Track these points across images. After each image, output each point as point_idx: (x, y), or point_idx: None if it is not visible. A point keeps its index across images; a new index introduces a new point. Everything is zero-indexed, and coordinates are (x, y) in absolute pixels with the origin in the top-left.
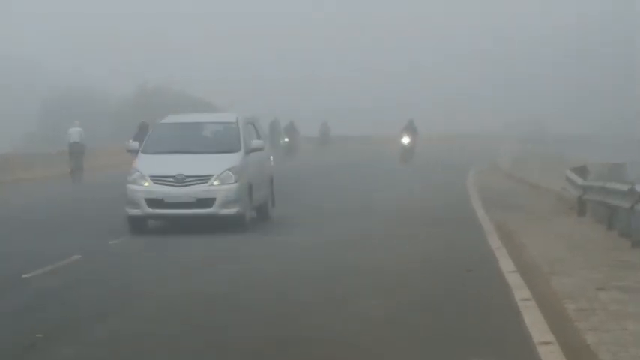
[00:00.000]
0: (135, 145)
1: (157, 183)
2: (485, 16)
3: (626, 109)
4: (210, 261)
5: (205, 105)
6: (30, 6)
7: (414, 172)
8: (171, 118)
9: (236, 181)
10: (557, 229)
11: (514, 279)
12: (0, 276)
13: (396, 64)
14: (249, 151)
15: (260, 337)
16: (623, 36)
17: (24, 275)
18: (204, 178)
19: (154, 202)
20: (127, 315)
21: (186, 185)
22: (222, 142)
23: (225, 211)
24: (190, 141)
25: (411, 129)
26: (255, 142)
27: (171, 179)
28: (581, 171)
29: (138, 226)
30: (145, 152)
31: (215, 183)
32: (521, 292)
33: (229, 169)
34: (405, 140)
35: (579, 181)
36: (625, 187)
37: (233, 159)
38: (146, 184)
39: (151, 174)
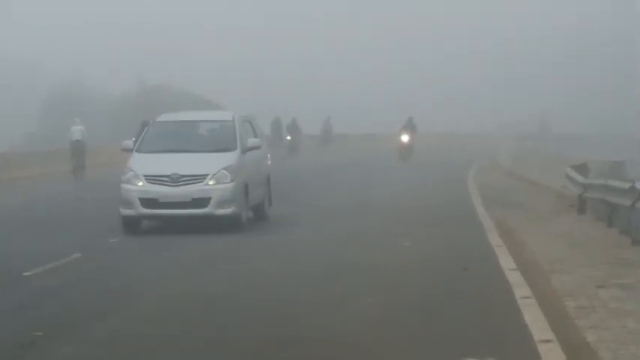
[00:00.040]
0: (129, 143)
1: (151, 182)
2: (485, 16)
3: (626, 109)
4: (210, 260)
5: (205, 103)
6: (29, 6)
7: (414, 170)
8: (166, 116)
9: (232, 181)
10: (557, 226)
11: (514, 277)
12: (0, 274)
13: (396, 64)
14: (246, 149)
15: (260, 337)
16: (623, 36)
17: (24, 274)
18: (200, 178)
19: (148, 202)
20: (127, 314)
21: (181, 185)
22: (218, 140)
23: (221, 211)
24: (185, 139)
25: (410, 127)
26: (252, 141)
27: (165, 178)
28: (582, 168)
29: (132, 226)
30: (139, 151)
31: (210, 182)
32: (521, 290)
33: (225, 168)
34: (404, 138)
35: (580, 178)
36: (626, 185)
37: (229, 158)
38: (140, 183)
39: (145, 173)
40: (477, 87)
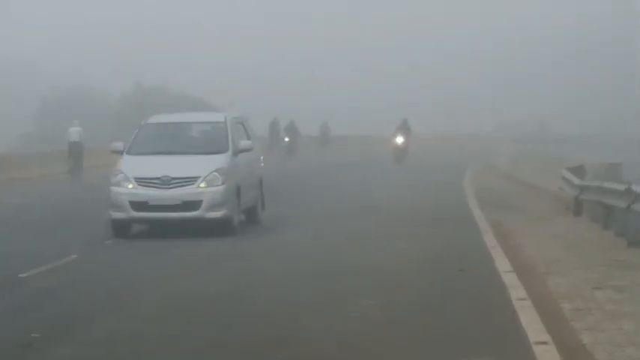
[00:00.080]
0: (119, 145)
1: (141, 185)
2: (485, 16)
3: (626, 109)
4: (209, 261)
5: (204, 105)
6: (29, 6)
7: (412, 173)
8: (157, 118)
9: (223, 183)
10: (553, 229)
11: (510, 279)
12: None
13: (396, 64)
14: (238, 151)
15: (260, 337)
16: (623, 36)
17: (21, 275)
18: (191, 180)
19: (138, 205)
20: (125, 315)
21: (171, 187)
22: (210, 142)
23: (212, 214)
24: (176, 141)
25: (404, 128)
26: (244, 143)
27: (156, 181)
28: (578, 171)
29: (122, 229)
30: (129, 153)
31: (201, 185)
32: (517, 292)
33: (216, 171)
34: (399, 140)
35: (576, 180)
36: (621, 187)
37: (220, 160)
38: (130, 186)
39: (135, 175)
40: (477, 87)
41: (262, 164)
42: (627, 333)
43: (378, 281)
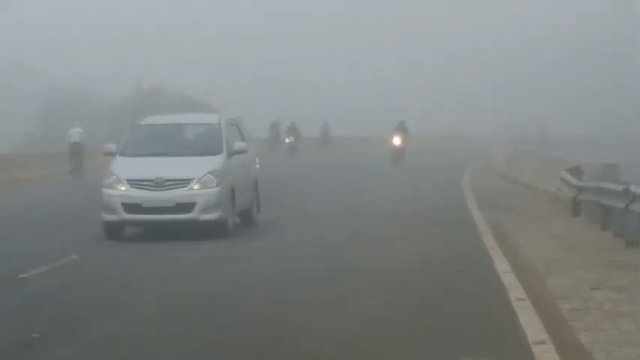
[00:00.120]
0: (112, 147)
1: (134, 187)
2: (485, 16)
3: (626, 109)
4: (209, 261)
5: (204, 106)
6: (29, 7)
7: (411, 174)
8: (150, 120)
9: (217, 185)
10: (552, 229)
11: (509, 279)
12: None
13: (396, 64)
14: (232, 153)
15: (260, 337)
16: (623, 36)
17: (21, 275)
18: (184, 182)
19: (130, 207)
20: (125, 315)
21: (165, 189)
22: (204, 144)
23: (206, 217)
24: (170, 143)
25: (402, 129)
26: (239, 144)
27: (149, 183)
28: (576, 171)
29: (114, 232)
30: (122, 155)
31: (195, 187)
32: (516, 292)
33: (210, 172)
34: (396, 141)
35: (574, 181)
36: (619, 187)
37: (215, 161)
38: (123, 187)
39: (127, 177)
40: (477, 87)
41: (258, 166)
42: (626, 333)
43: (378, 281)
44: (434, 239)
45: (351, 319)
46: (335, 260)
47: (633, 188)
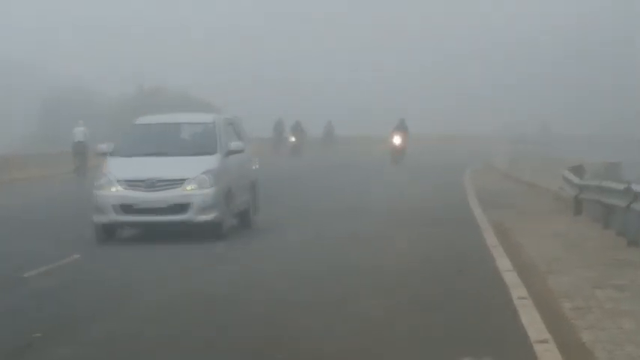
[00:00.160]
0: (105, 147)
1: (126, 187)
2: (485, 16)
3: (626, 109)
4: (209, 261)
5: (202, 106)
6: (28, 7)
7: (412, 173)
8: (144, 119)
9: (213, 185)
10: (553, 228)
11: (511, 278)
12: None
13: (396, 64)
14: (228, 153)
15: (260, 337)
16: (623, 36)
17: (23, 275)
18: (178, 182)
19: (123, 208)
20: (126, 315)
21: (158, 190)
22: (199, 143)
23: (202, 218)
24: (164, 143)
25: (402, 129)
26: (235, 144)
27: (141, 183)
28: (578, 170)
29: (106, 234)
30: (114, 155)
31: (189, 187)
32: (518, 291)
33: (205, 173)
34: (397, 141)
35: (576, 180)
36: (621, 186)
37: (210, 161)
38: (114, 189)
39: (120, 178)
40: (477, 87)
41: (255, 167)
42: (627, 332)
43: (378, 281)
44: (436, 238)
45: (351, 319)
46: (335, 260)
47: (635, 187)
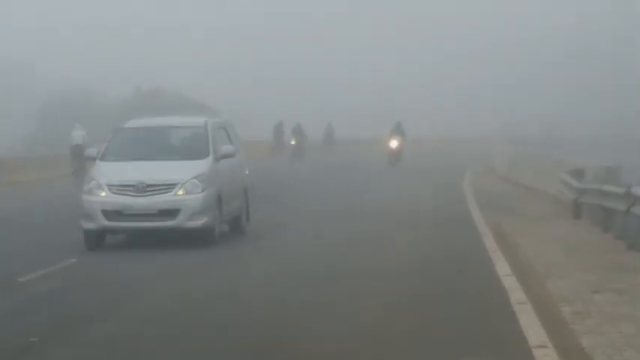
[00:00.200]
0: (93, 151)
1: (115, 193)
2: (485, 16)
3: (626, 109)
4: (209, 261)
5: (201, 107)
6: (28, 8)
7: (411, 175)
8: (133, 122)
9: (203, 190)
10: (553, 231)
11: (510, 282)
12: None
13: (396, 64)
14: (220, 157)
15: (260, 337)
16: (623, 36)
17: (20, 279)
18: (168, 187)
19: (111, 214)
20: (125, 317)
21: (147, 195)
22: (189, 147)
23: (191, 224)
24: (153, 147)
25: (398, 132)
26: (226, 148)
27: (130, 188)
28: (577, 173)
29: (94, 240)
30: (103, 159)
31: (179, 192)
32: (516, 295)
33: (196, 177)
34: (393, 144)
35: (575, 183)
36: (621, 190)
37: (200, 166)
38: (103, 193)
39: (108, 183)
40: (477, 87)
41: (248, 172)
42: (626, 336)
43: (378, 282)
44: (434, 240)
45: (351, 319)
46: (335, 260)
47: (635, 191)
